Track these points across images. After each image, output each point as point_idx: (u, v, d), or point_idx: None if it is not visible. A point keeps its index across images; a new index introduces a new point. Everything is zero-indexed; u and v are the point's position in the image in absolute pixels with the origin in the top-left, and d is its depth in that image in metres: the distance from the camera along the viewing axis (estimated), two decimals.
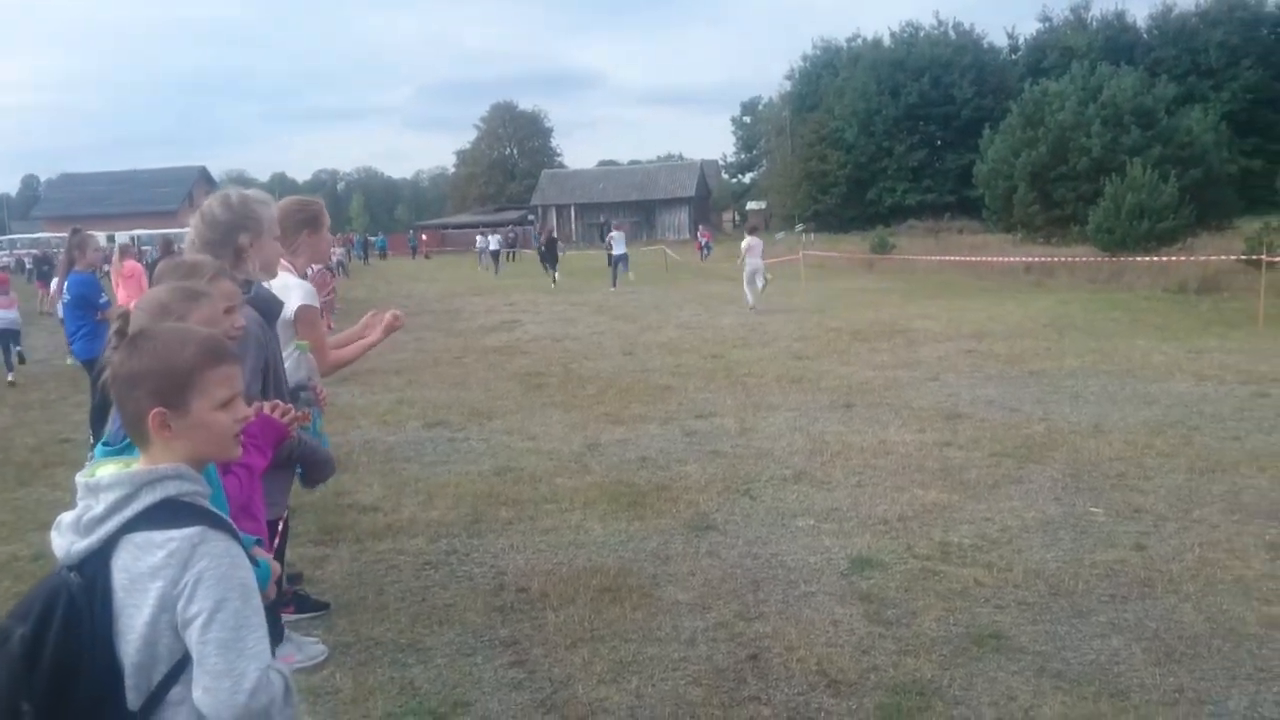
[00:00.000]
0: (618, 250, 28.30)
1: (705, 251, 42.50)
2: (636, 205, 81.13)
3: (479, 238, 50.67)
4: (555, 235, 35.52)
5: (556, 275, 32.14)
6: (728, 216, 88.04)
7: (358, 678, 4.21)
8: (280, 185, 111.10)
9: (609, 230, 42.29)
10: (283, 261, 4.01)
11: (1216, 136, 36.50)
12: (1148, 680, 3.92)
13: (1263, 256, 17.14)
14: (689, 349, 14.25)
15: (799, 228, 56.60)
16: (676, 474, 7.30)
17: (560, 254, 34.72)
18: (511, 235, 52.44)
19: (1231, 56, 58.53)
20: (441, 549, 5.82)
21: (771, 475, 7.15)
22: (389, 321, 4.41)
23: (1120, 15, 65.52)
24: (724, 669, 4.17)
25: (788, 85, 78.49)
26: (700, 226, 46.42)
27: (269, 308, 3.45)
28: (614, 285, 27.13)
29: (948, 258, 28.61)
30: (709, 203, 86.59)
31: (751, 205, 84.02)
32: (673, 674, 4.14)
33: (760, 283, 20.24)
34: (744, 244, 21.02)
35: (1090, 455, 7.36)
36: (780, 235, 57.53)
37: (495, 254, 43.75)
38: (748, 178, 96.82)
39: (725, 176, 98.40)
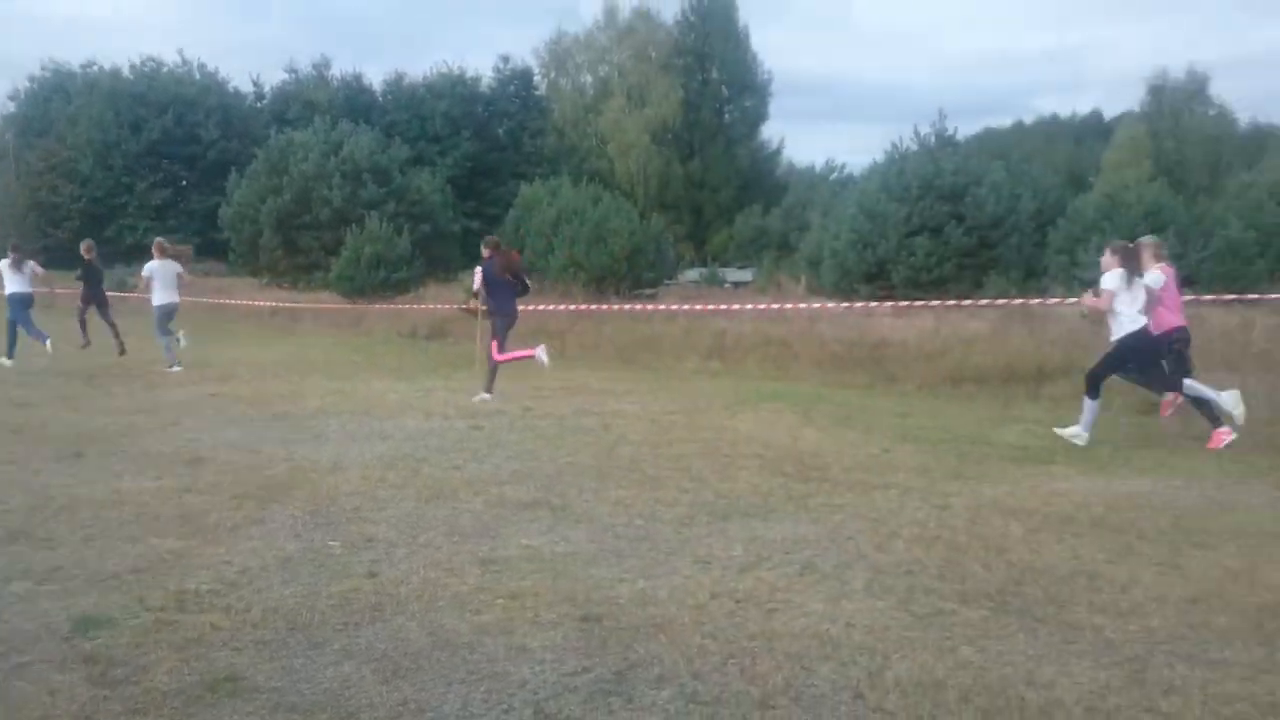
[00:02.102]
0: None
1: None
2: None
3: None
4: None
5: None
6: None
7: None
8: None
9: None
10: None
11: (443, 197, 40.05)
12: (376, 699, 4.15)
13: (474, 306, 19.14)
14: None
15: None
16: None
17: None
18: None
19: (454, 127, 65.10)
20: None
21: None
22: None
23: (358, 77, 69.48)
24: None
25: (11, 106, 70.40)
26: None
27: None
28: None
29: (193, 300, 27.77)
30: None
31: None
32: None
33: None
34: None
35: (329, 491, 7.62)
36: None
37: None
38: None
39: None
